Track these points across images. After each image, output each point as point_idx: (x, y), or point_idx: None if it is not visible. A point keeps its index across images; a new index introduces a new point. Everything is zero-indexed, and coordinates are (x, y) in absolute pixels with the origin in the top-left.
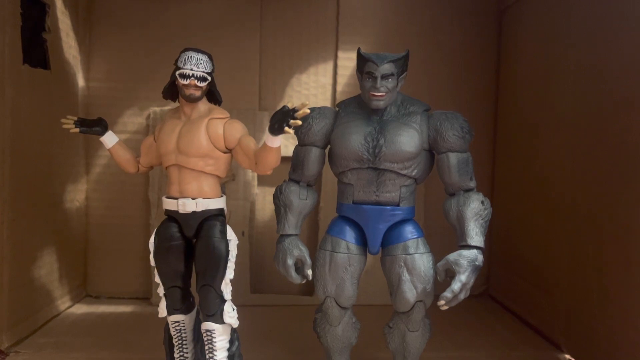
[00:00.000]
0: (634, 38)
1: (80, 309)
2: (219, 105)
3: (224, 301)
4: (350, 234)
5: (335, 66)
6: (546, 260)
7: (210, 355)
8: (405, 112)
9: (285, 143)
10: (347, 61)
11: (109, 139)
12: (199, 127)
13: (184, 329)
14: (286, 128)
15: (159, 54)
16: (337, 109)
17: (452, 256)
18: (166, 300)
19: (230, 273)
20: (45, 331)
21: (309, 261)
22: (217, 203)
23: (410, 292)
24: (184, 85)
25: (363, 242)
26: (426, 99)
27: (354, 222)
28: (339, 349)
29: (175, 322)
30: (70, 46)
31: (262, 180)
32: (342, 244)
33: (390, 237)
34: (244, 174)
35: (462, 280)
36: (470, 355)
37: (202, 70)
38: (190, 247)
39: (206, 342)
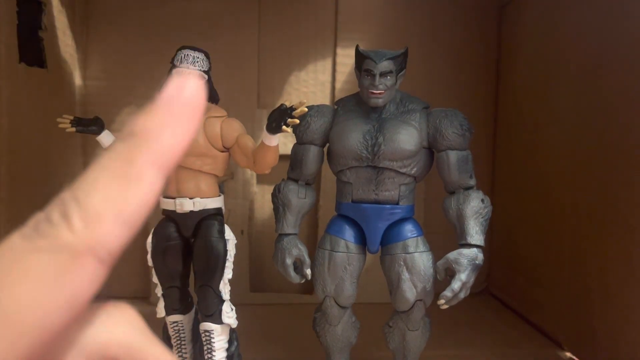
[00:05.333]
0: (635, 34)
1: None
2: (216, 103)
3: (223, 301)
4: (349, 233)
5: (334, 63)
6: (547, 257)
7: (209, 355)
8: (404, 110)
9: (283, 141)
10: (346, 58)
11: (106, 138)
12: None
13: (183, 329)
14: (284, 127)
15: (157, 51)
16: (335, 107)
17: (452, 255)
18: (164, 301)
19: (228, 273)
20: None
21: (307, 260)
22: (215, 202)
23: (410, 291)
24: None
25: (362, 241)
26: (425, 96)
27: (353, 221)
28: (339, 348)
29: (174, 322)
30: (67, 44)
31: (261, 179)
32: (341, 243)
33: (390, 235)
34: (243, 172)
35: (462, 279)
36: (470, 353)
37: (199, 68)
38: (188, 247)
39: (205, 342)
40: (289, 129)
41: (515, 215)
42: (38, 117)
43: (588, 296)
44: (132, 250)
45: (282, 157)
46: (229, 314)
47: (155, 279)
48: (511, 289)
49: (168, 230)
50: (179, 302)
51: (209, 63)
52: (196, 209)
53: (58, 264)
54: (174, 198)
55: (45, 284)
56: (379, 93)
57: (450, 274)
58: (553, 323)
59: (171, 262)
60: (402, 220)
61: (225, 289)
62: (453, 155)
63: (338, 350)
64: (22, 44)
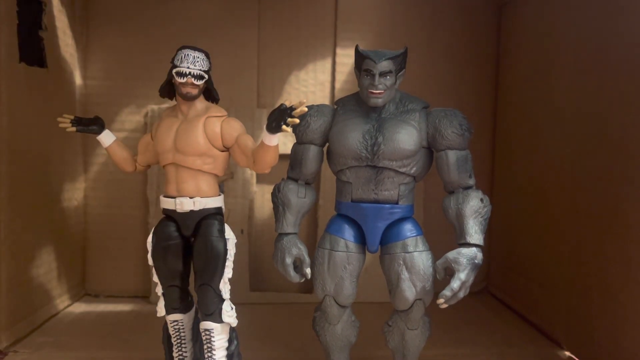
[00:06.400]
0: (635, 33)
1: (79, 307)
2: (217, 103)
3: (223, 300)
4: (349, 232)
5: (334, 63)
6: (546, 257)
7: (209, 354)
8: (404, 110)
9: (283, 141)
10: (346, 58)
11: (106, 138)
12: (197, 126)
13: (183, 328)
14: (284, 126)
15: (157, 51)
16: (335, 106)
17: (452, 254)
18: (164, 300)
19: (228, 272)
20: (44, 330)
21: (307, 260)
22: (215, 202)
23: (409, 290)
24: (180, 83)
25: (362, 240)
26: (425, 96)
27: (352, 221)
28: (338, 347)
29: (174, 321)
30: (67, 44)
31: (261, 178)
32: (340, 242)
33: (389, 235)
34: (243, 172)
35: (461, 278)
36: (470, 353)
37: (199, 68)
38: (188, 246)
39: (205, 342)
40: (289, 129)
41: (514, 215)
42: (38, 117)
43: (587, 295)
44: (132, 250)
45: (282, 157)
46: (229, 312)
47: (155, 278)
48: (510, 288)
49: (168, 229)
50: (179, 301)
51: (209, 63)
52: (196, 208)
53: None
54: (174, 197)
55: None
56: (379, 93)
57: (449, 273)
58: (552, 322)
59: (171, 261)
60: (402, 219)
61: (225, 288)
62: (452, 155)
63: (338, 350)
64: (22, 44)
